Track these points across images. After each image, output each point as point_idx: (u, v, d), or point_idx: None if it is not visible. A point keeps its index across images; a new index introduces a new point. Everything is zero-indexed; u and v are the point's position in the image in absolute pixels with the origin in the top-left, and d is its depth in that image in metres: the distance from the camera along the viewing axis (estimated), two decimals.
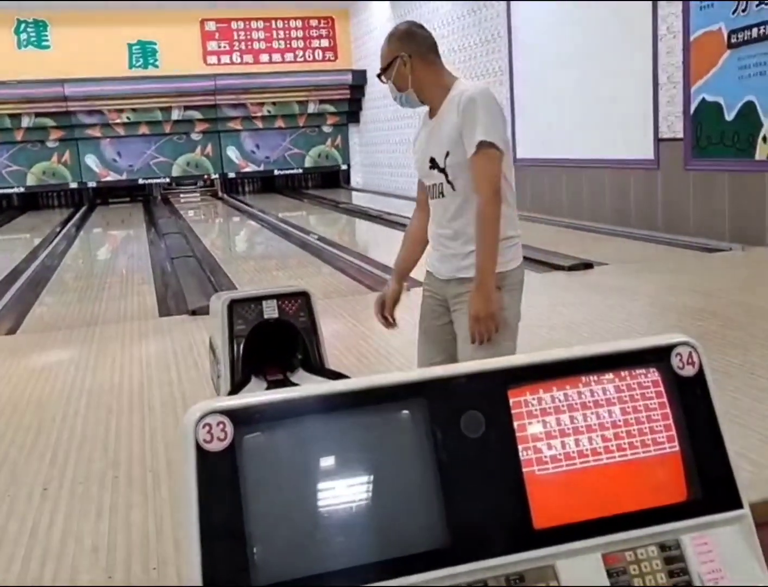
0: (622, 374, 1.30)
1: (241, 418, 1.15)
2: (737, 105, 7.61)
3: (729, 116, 7.73)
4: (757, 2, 7.26)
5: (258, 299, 3.19)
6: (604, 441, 1.26)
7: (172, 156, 20.20)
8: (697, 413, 1.30)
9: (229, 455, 1.13)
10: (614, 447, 1.26)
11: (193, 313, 6.19)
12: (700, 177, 8.21)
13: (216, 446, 1.13)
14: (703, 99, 8.04)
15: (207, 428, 1.14)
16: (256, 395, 1.20)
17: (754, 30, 7.32)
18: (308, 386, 1.24)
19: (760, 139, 7.38)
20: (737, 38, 7.54)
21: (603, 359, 1.30)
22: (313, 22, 20.56)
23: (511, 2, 11.83)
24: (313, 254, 9.86)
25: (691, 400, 1.31)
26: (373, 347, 5.12)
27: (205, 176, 20.59)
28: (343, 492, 1.17)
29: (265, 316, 3.17)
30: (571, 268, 6.91)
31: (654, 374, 1.31)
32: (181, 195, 20.34)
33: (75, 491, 3.21)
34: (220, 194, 20.47)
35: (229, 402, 1.17)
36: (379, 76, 2.50)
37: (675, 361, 1.31)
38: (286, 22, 20.32)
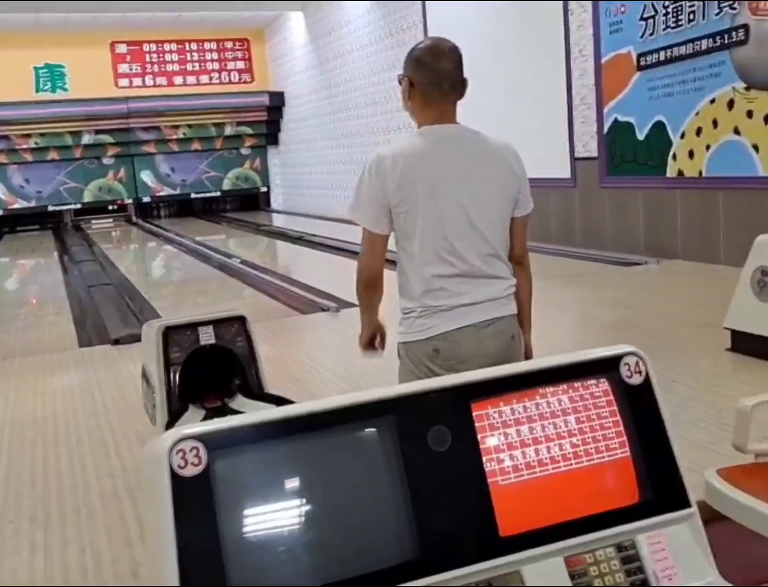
0: (575, 385, 1.37)
1: (215, 442, 1.17)
2: (648, 125, 7.97)
3: (640, 135, 8.09)
4: (663, 27, 7.65)
5: (193, 326, 3.17)
6: (561, 449, 1.32)
7: (83, 181, 19.72)
8: (645, 420, 1.38)
9: (204, 479, 1.14)
10: (571, 454, 1.32)
11: (116, 342, 6.06)
12: (615, 194, 8.55)
13: (190, 471, 1.14)
14: (616, 119, 8.40)
15: (181, 454, 1.15)
16: (229, 419, 1.22)
17: (662, 53, 7.70)
18: (279, 408, 1.26)
19: (670, 158, 7.76)
20: (646, 61, 7.91)
21: (557, 372, 1.37)
22: (228, 44, 20.48)
23: (428, 27, 12.07)
24: (235, 277, 9.78)
25: (639, 407, 1.38)
26: (306, 370, 5.12)
27: (118, 201, 20.15)
28: (316, 511, 1.19)
29: (202, 342, 3.15)
30: None
31: (604, 384, 1.38)
32: (93, 221, 19.81)
33: (4, 529, 3.10)
34: (134, 219, 20.06)
35: (203, 428, 1.18)
36: (399, 80, 2.38)
37: (623, 371, 1.39)
38: (200, 44, 20.18)
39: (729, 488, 2.19)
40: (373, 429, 1.26)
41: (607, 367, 1.39)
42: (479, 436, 1.29)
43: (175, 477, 1.13)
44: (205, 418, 3.12)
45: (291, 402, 3.02)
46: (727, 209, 7.19)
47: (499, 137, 2.40)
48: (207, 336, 3.17)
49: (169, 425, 3.00)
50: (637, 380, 1.39)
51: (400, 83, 2.35)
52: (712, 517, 1.92)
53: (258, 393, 3.18)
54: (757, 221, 6.73)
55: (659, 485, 1.35)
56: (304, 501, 1.20)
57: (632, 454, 1.35)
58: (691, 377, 4.23)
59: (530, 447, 1.31)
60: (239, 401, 3.17)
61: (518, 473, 1.29)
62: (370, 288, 2.32)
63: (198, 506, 1.13)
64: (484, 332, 2.26)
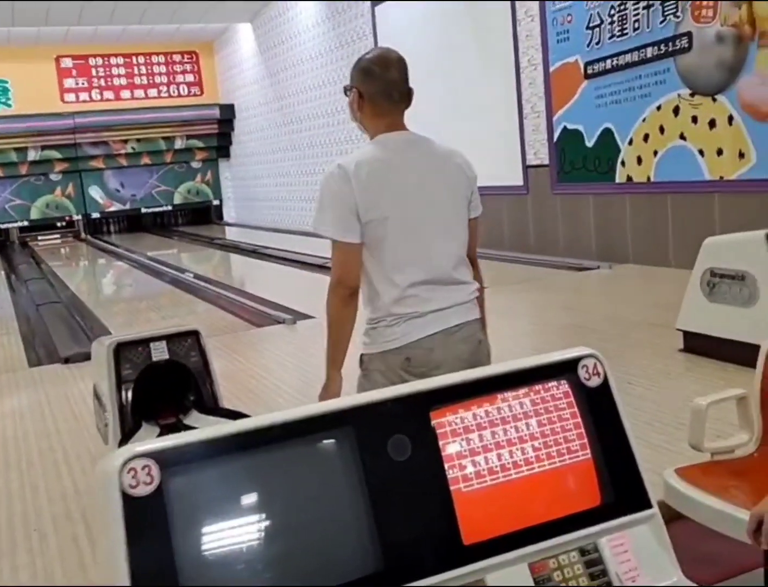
0: (536, 388, 1.36)
1: (168, 460, 1.13)
2: (596, 132, 8.09)
3: (589, 143, 8.21)
4: (609, 35, 7.78)
5: (145, 341, 3.10)
6: (524, 453, 1.31)
7: (30, 198, 19.30)
8: (605, 421, 1.38)
9: (157, 498, 1.10)
10: (533, 458, 1.31)
11: (66, 361, 5.92)
12: (567, 200, 8.66)
13: (142, 490, 1.10)
14: (565, 127, 8.51)
15: (132, 473, 1.11)
16: (183, 435, 1.18)
17: (608, 61, 7.82)
18: (234, 423, 1.22)
19: (619, 164, 7.88)
20: (593, 69, 8.03)
21: (517, 376, 1.36)
22: (177, 57, 20.28)
23: (379, 41, 12.10)
24: (188, 291, 9.65)
25: (598, 409, 1.38)
26: (262, 384, 5.05)
27: (67, 218, 19.77)
28: (275, 527, 1.16)
29: (154, 358, 3.08)
30: None
31: (564, 386, 1.38)
32: (40, 238, 19.39)
33: None
34: (83, 235, 19.70)
35: (154, 445, 1.15)
36: (345, 91, 2.35)
37: (582, 373, 1.39)
38: (147, 57, 19.95)
39: (687, 487, 2.21)
40: (332, 441, 1.23)
41: (566, 370, 1.39)
42: (440, 443, 1.27)
43: (126, 497, 1.10)
44: (160, 435, 3.05)
45: (247, 417, 2.98)
46: (675, 213, 7.33)
47: (444, 143, 2.42)
48: (160, 352, 3.10)
49: (122, 444, 2.93)
50: (595, 382, 1.39)
51: (346, 94, 2.33)
52: (671, 517, 1.93)
53: (213, 409, 3.11)
54: (704, 223, 6.88)
55: (620, 486, 1.35)
56: (262, 516, 1.17)
57: (593, 456, 1.35)
58: (646, 378, 4.27)
59: (492, 452, 1.29)
60: (194, 417, 3.11)
61: (481, 479, 1.27)
62: (349, 303, 2.22)
63: (151, 526, 1.10)
64: (454, 337, 2.24)
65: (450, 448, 1.27)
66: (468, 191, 2.35)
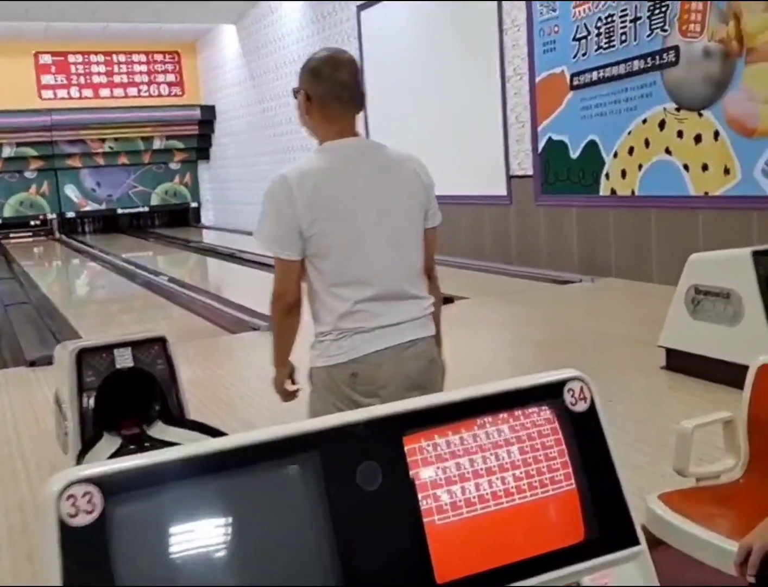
0: (516, 413, 1.26)
1: (111, 486, 1.02)
2: (581, 144, 8.05)
3: (574, 154, 8.17)
4: (596, 47, 7.75)
5: (109, 348, 2.98)
6: (504, 483, 1.21)
7: (3, 196, 18.97)
8: (590, 449, 1.28)
9: (98, 529, 1.00)
10: (513, 489, 1.21)
11: (32, 364, 5.76)
12: (550, 212, 8.61)
13: (82, 520, 1.00)
14: (550, 138, 8.46)
15: (71, 500, 1.00)
16: (127, 459, 1.07)
17: (594, 73, 7.80)
18: (187, 445, 1.11)
19: (603, 176, 7.84)
20: (579, 80, 8.00)
21: (497, 399, 1.26)
22: (158, 57, 20.09)
23: (364, 46, 12.03)
24: (162, 295, 9.48)
25: (584, 436, 1.29)
26: (233, 393, 4.93)
27: (41, 216, 19.46)
28: (231, 560, 1.06)
29: (118, 365, 2.96)
30: None
31: (547, 412, 1.28)
32: (11, 236, 18.99)
33: None
34: (57, 234, 19.41)
35: (97, 470, 1.03)
36: (294, 93, 2.23)
37: (567, 397, 1.29)
38: (128, 56, 19.74)
39: (671, 514, 2.12)
40: (295, 467, 1.13)
41: (549, 393, 1.29)
42: (413, 471, 1.17)
43: (64, 526, 0.99)
44: (122, 446, 2.93)
45: (214, 429, 2.87)
46: (659, 228, 7.29)
47: (401, 149, 2.30)
48: (124, 359, 2.99)
49: (82, 454, 2.81)
50: (581, 407, 1.30)
51: (295, 97, 2.22)
52: (652, 543, 1.84)
53: (179, 419, 2.99)
54: (687, 239, 6.85)
55: (606, 520, 1.25)
56: (217, 549, 1.06)
57: (578, 487, 1.25)
58: (628, 396, 4.21)
59: (470, 482, 1.19)
60: (159, 428, 2.99)
61: (457, 510, 1.17)
62: (290, 315, 2.16)
63: (91, 560, 0.99)
64: (405, 354, 2.13)
65: (424, 476, 1.17)
66: (424, 199, 2.22)
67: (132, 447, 2.93)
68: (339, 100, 2.13)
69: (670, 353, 4.55)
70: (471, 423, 1.23)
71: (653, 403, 4.11)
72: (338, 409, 2.09)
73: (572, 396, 1.29)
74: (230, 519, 1.08)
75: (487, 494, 1.19)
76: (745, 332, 4.11)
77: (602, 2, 7.59)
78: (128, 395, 3.04)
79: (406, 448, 1.17)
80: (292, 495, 1.12)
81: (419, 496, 1.15)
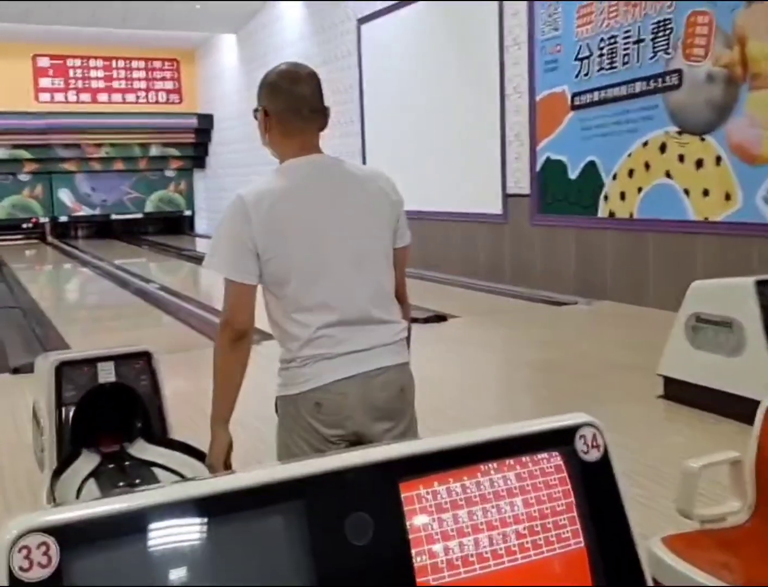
0: (524, 460, 1.15)
1: (70, 537, 0.92)
2: (580, 164, 7.98)
3: (573, 175, 8.09)
4: (598, 68, 7.69)
5: (92, 361, 2.86)
6: (506, 540, 1.10)
7: None
8: (602, 503, 1.18)
9: (54, 585, 0.89)
10: (516, 547, 1.11)
11: (16, 371, 5.62)
12: (546, 232, 8.53)
13: (36, 574, 0.89)
14: (548, 158, 8.39)
15: (24, 552, 0.90)
16: (90, 506, 0.95)
17: (596, 93, 7.73)
18: (156, 490, 1.00)
19: (601, 198, 7.76)
20: (580, 100, 7.93)
21: (503, 444, 1.15)
22: (157, 64, 20.01)
23: (363, 60, 11.97)
24: (153, 303, 9.35)
25: (596, 487, 1.18)
26: None
27: (33, 219, 19.28)
28: None
29: (100, 380, 2.85)
30: (425, 320, 6.85)
31: (557, 459, 1.17)
32: (1, 238, 18.78)
33: None
34: (49, 238, 19.24)
35: (55, 516, 0.92)
36: (254, 114, 2.13)
37: (579, 444, 1.18)
38: (127, 61, 19.66)
39: (675, 559, 2.01)
40: (278, 517, 1.02)
41: (559, 439, 1.18)
42: (408, 523, 1.05)
43: (16, 582, 0.88)
44: (101, 464, 2.81)
45: (197, 450, 2.74)
46: (656, 252, 7.21)
47: (368, 166, 2.20)
48: (107, 373, 2.86)
49: (58, 473, 2.68)
50: (594, 455, 1.19)
51: (255, 117, 2.11)
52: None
53: (161, 438, 2.87)
54: (685, 265, 6.77)
55: (618, 583, 1.14)
56: None
57: (587, 545, 1.14)
58: (624, 425, 4.08)
59: (469, 537, 1.08)
60: (140, 447, 2.87)
61: (454, 570, 1.06)
62: (238, 346, 1.99)
63: None
64: (372, 382, 1.99)
65: (419, 529, 1.06)
66: (393, 217, 2.09)
67: (111, 466, 2.81)
68: (298, 115, 2.02)
69: (669, 381, 4.45)
70: (474, 470, 1.12)
71: (651, 433, 4.00)
72: (303, 440, 1.99)
73: (584, 443, 1.19)
74: (203, 576, 0.96)
75: (486, 552, 1.08)
76: (747, 363, 4.01)
77: (606, 22, 7.53)
78: (109, 411, 2.92)
79: (402, 496, 1.07)
80: (273, 549, 1.01)
81: (413, 552, 1.04)
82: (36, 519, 0.91)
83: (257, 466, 1.35)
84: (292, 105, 2.02)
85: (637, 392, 4.64)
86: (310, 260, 1.97)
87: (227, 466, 2.09)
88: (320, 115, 2.06)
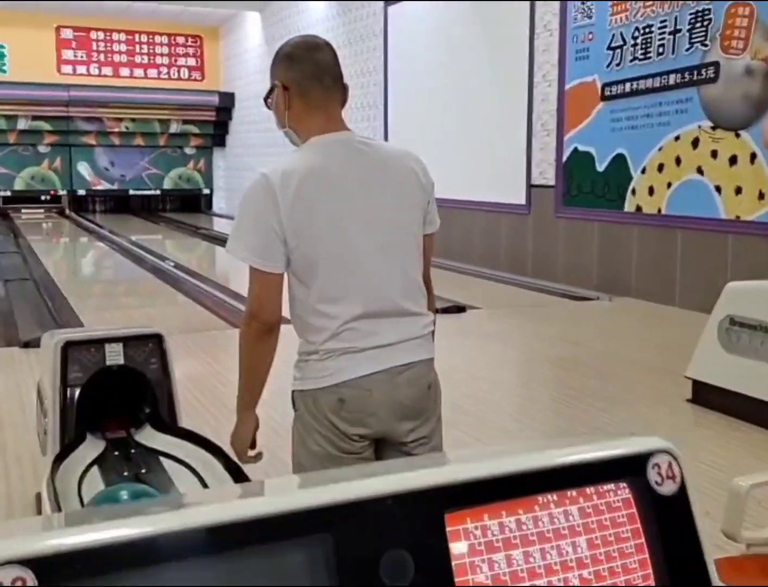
0: (588, 491, 0.98)
1: (52, 570, 0.75)
2: (608, 157, 7.76)
3: (600, 167, 7.87)
4: (631, 58, 7.45)
5: (100, 342, 2.72)
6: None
7: (16, 168, 18.73)
8: (677, 545, 1.01)
9: None
10: None
11: (26, 345, 5.51)
12: (570, 225, 8.32)
13: None
14: (576, 148, 8.17)
15: None
16: (75, 533, 0.79)
17: (627, 84, 7.50)
18: (154, 515, 0.84)
19: (629, 192, 7.54)
20: (611, 91, 7.70)
21: (565, 472, 0.98)
22: (180, 40, 19.83)
23: (389, 42, 11.76)
24: (167, 281, 9.23)
25: (670, 526, 1.01)
26: (232, 391, 4.64)
27: (51, 192, 19.23)
28: None
29: (108, 362, 2.70)
30: (444, 310, 6.69)
31: (625, 491, 1.00)
32: (23, 210, 18.83)
33: None
34: (67, 211, 19.18)
35: (34, 546, 0.76)
36: (265, 100, 1.98)
37: (652, 475, 1.01)
38: (150, 36, 19.50)
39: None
40: (300, 554, 0.85)
41: (630, 468, 1.01)
42: (454, 564, 0.89)
43: None
44: (106, 450, 2.67)
45: (207, 441, 2.59)
46: (685, 250, 7.00)
47: (397, 145, 2.02)
48: (115, 355, 2.72)
49: (60, 457, 2.55)
50: (669, 488, 1.02)
51: (266, 104, 1.98)
52: None
53: (169, 426, 2.73)
54: (715, 264, 6.56)
55: None
56: None
57: None
58: (651, 429, 3.91)
59: (525, 584, 0.91)
60: (146, 433, 2.73)
61: None
62: (267, 339, 1.86)
63: None
64: (398, 379, 1.86)
65: (466, 572, 0.89)
66: (424, 201, 1.94)
67: (116, 453, 2.67)
68: (320, 83, 1.86)
69: (698, 385, 4.27)
70: (531, 501, 0.95)
71: (679, 440, 3.76)
72: (323, 437, 1.85)
73: (658, 473, 1.01)
74: None
75: None
76: None
77: (641, 11, 7.29)
78: (116, 395, 2.79)
79: (448, 530, 0.90)
80: None
81: None
82: (12, 547, 0.76)
83: (272, 483, 1.19)
84: (314, 72, 1.86)
85: (664, 396, 4.46)
86: (339, 246, 1.82)
87: (252, 446, 1.99)
88: (342, 87, 1.91)
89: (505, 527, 0.93)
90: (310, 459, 1.87)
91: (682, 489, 1.02)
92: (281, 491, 0.91)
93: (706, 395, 4.19)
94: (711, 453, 3.58)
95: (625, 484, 1.00)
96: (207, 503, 0.91)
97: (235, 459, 2.15)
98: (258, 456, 2.02)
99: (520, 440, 3.91)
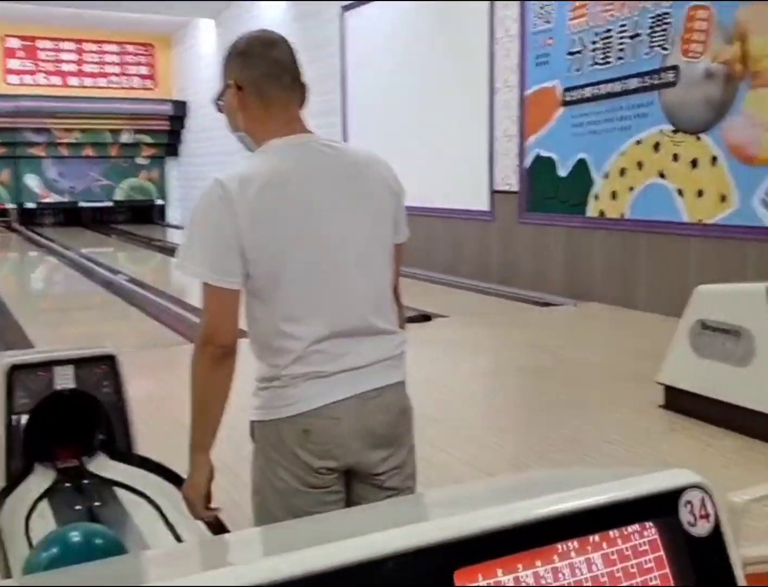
0: (611, 535, 0.86)
1: None
2: (570, 162, 7.73)
3: (562, 172, 7.83)
4: (591, 63, 7.42)
5: (48, 364, 2.54)
6: None
7: None
8: None
9: None
10: None
11: None
12: (534, 231, 8.27)
13: None
14: (538, 154, 8.12)
15: None
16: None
17: (587, 89, 7.47)
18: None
19: (592, 197, 7.51)
20: (571, 96, 7.67)
21: (586, 516, 0.85)
22: (131, 48, 19.48)
23: (347, 48, 11.64)
24: (120, 295, 8.96)
25: (704, 572, 0.88)
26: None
27: None
28: None
29: (57, 386, 2.52)
30: (410, 320, 6.54)
31: (651, 532, 0.88)
32: None
33: None
34: (15, 225, 18.66)
35: None
36: (216, 102, 1.82)
37: (684, 514, 0.89)
38: (100, 45, 19.09)
39: None
40: None
41: (658, 507, 0.88)
42: None
43: None
44: (56, 482, 2.49)
45: (165, 468, 2.42)
46: (648, 254, 6.98)
47: (364, 148, 1.85)
48: (65, 379, 2.54)
49: (6, 491, 2.35)
50: (703, 529, 0.89)
51: (217, 107, 1.81)
52: None
53: (125, 453, 2.55)
54: (678, 268, 6.55)
55: None
56: None
57: None
58: (625, 437, 3.85)
59: None
60: (100, 462, 2.55)
61: None
62: (222, 365, 1.65)
63: None
64: (370, 404, 1.70)
65: None
66: (393, 209, 1.79)
67: (67, 484, 2.49)
68: (278, 82, 1.70)
69: (670, 391, 4.21)
70: (550, 551, 0.82)
71: (654, 447, 3.75)
72: (286, 471, 1.67)
73: (690, 512, 0.89)
74: None
75: None
76: (756, 373, 3.79)
77: (600, 15, 7.28)
78: (67, 421, 2.61)
79: None
80: None
81: None
82: None
83: (242, 538, 1.04)
84: (272, 70, 1.70)
85: (635, 401, 4.39)
86: (305, 259, 1.65)
87: (208, 498, 1.75)
88: (301, 86, 1.75)
89: (522, 582, 0.80)
90: (275, 496, 1.69)
91: (717, 529, 0.90)
92: (259, 555, 0.76)
93: (678, 401, 4.13)
94: (689, 461, 3.49)
95: (650, 524, 0.87)
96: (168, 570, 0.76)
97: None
98: (215, 510, 1.77)
99: (494, 451, 3.80)
